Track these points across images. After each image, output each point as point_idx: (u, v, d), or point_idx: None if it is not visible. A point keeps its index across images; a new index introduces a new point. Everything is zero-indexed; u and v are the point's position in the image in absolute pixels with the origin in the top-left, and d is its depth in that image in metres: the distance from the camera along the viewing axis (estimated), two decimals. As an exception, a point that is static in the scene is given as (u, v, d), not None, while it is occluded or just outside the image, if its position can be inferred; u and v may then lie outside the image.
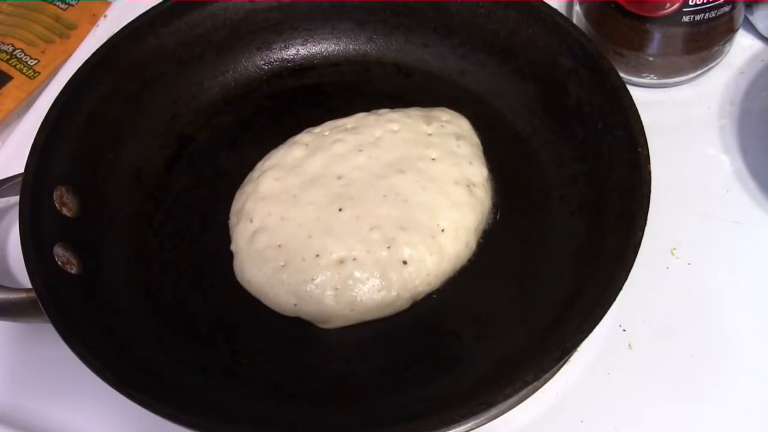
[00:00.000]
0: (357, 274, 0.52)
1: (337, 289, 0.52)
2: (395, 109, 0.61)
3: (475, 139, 0.59)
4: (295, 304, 0.52)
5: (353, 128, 0.59)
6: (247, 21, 0.64)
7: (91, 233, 0.55)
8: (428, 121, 0.59)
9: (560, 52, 0.58)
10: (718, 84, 0.65)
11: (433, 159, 0.57)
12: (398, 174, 0.56)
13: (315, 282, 0.52)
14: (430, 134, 0.58)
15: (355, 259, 0.53)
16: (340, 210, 0.54)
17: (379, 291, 0.52)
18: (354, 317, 0.52)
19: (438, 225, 0.54)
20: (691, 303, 0.55)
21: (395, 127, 0.59)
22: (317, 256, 0.53)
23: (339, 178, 0.56)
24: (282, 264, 0.53)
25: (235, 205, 0.57)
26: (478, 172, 0.57)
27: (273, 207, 0.55)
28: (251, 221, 0.55)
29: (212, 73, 0.64)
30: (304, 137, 0.59)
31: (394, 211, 0.54)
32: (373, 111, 0.61)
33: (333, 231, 0.54)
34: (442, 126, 0.59)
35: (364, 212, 0.54)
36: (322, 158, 0.57)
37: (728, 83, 0.65)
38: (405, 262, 0.53)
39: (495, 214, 0.57)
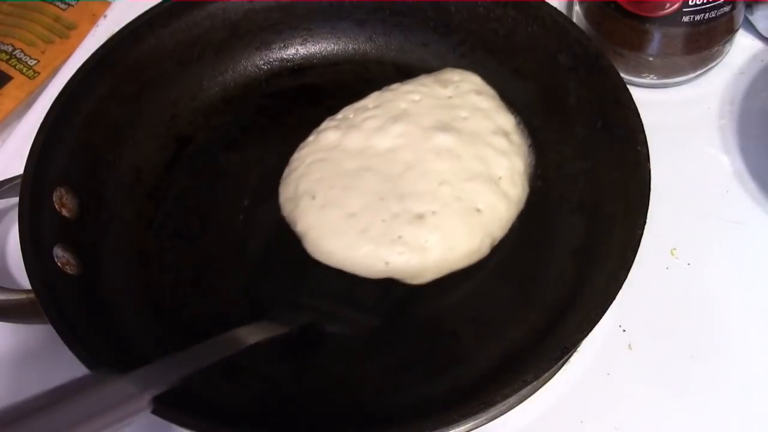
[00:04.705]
0: (440, 225, 0.52)
1: (425, 242, 0.52)
2: (404, 82, 0.61)
3: (491, 90, 0.60)
4: (387, 263, 0.52)
5: (375, 106, 0.59)
6: (246, 21, 0.64)
7: (91, 234, 0.55)
8: (443, 85, 0.59)
9: (560, 51, 0.58)
10: (718, 84, 0.65)
11: (464, 117, 0.57)
12: (442, 133, 0.56)
13: (402, 239, 0.52)
14: (450, 96, 0.59)
15: (434, 212, 0.53)
16: (402, 172, 0.54)
17: (466, 239, 0.52)
18: (446, 267, 0.53)
19: (495, 173, 0.55)
20: (691, 303, 0.55)
21: (416, 96, 0.59)
22: (396, 215, 0.53)
23: (385, 148, 0.56)
24: (363, 228, 0.53)
25: (286, 194, 0.57)
26: (507, 120, 0.58)
27: (333, 181, 0.55)
28: (314, 198, 0.55)
29: (211, 73, 0.64)
30: (329, 123, 0.59)
31: (454, 166, 0.55)
32: (385, 88, 0.61)
33: (403, 191, 0.54)
34: (457, 86, 0.59)
35: (426, 170, 0.54)
36: (358, 135, 0.57)
37: (728, 83, 0.65)
38: (479, 210, 0.53)
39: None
